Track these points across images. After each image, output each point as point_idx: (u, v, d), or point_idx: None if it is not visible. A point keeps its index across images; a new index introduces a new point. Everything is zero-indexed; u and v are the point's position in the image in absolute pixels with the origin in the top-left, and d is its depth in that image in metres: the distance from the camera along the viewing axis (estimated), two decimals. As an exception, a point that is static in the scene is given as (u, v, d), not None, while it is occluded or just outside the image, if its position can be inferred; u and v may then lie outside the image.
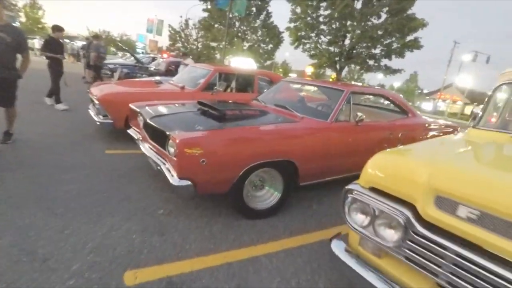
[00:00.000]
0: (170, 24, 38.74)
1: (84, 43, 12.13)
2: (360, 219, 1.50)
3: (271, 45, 29.20)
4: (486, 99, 2.32)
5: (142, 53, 31.23)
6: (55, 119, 4.92)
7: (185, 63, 8.43)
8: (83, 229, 2.09)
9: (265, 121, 2.81)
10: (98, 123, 3.99)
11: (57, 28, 5.66)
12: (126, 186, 2.88)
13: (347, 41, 17.06)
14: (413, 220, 1.28)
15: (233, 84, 5.46)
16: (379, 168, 1.47)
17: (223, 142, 2.27)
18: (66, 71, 6.03)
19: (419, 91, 48.52)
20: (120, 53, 24.50)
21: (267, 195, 2.67)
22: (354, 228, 1.52)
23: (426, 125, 4.08)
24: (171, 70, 10.15)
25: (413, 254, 1.30)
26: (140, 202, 2.60)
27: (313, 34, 17.36)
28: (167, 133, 2.28)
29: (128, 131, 3.40)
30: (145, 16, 40.19)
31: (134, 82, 5.31)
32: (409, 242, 1.31)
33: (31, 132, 4.04)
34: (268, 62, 30.58)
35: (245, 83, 5.43)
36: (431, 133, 4.11)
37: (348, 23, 16.10)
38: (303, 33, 17.46)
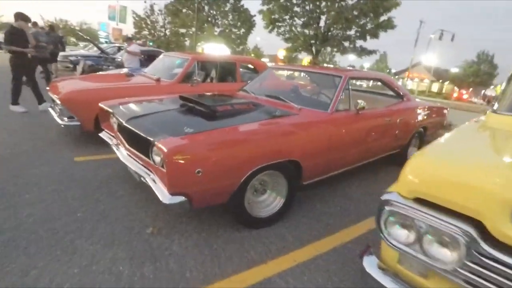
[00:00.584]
0: (134, 11, 36.53)
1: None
2: (403, 235, 1.26)
3: (243, 30, 28.39)
4: (507, 79, 2.14)
5: (106, 42, 29.26)
6: (12, 125, 4.27)
7: (129, 50, 7.32)
8: (55, 267, 1.70)
9: (262, 116, 2.49)
10: (62, 126, 3.47)
11: (20, 17, 4.85)
12: (104, 201, 2.48)
13: (322, 23, 16.83)
14: (478, 239, 1.05)
15: (213, 74, 5.05)
16: (425, 175, 1.22)
17: (220, 145, 1.94)
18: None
19: (388, 70, 49.85)
20: (82, 44, 22.65)
21: (270, 200, 2.39)
22: (394, 245, 1.28)
23: (421, 108, 3.95)
24: (141, 61, 9.41)
25: (477, 278, 1.08)
26: (123, 220, 2.22)
27: (287, 17, 16.91)
28: (151, 139, 1.90)
29: (100, 134, 2.94)
30: (106, 3, 37.40)
31: (101, 76, 4.73)
32: (470, 264, 1.09)
33: (-19, 142, 3.45)
34: (240, 48, 29.73)
35: (226, 72, 5.02)
36: (426, 116, 4.00)
37: (323, 4, 15.80)
38: (276, 15, 16.95)
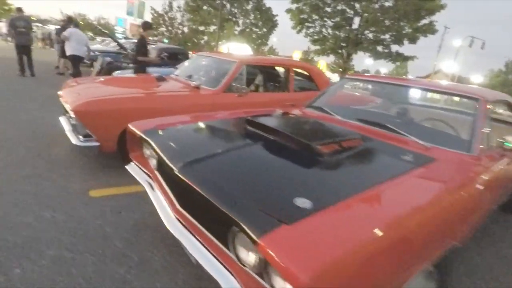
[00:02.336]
0: (152, 6, 36.46)
1: (58, 27, 10.33)
2: None
3: (264, 29, 27.55)
4: None
5: (123, 38, 29.05)
6: (7, 136, 3.50)
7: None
8: None
9: (391, 164, 1.58)
10: (78, 145, 2.63)
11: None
12: (138, 273, 1.62)
13: (355, 26, 15.79)
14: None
15: (258, 80, 4.18)
16: None
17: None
18: (35, 58, 4.62)
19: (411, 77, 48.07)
20: (99, 39, 22.24)
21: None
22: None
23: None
24: (163, 59, 8.67)
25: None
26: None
27: (317, 17, 15.93)
28: (243, 225, 1.01)
29: (128, 168, 2.09)
30: (124, -2, 37.34)
31: (125, 79, 3.90)
32: None
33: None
34: (266, 48, 28.77)
35: (275, 78, 4.15)
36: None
37: (357, 5, 14.76)
38: (305, 15, 15.98)
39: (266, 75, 4.02)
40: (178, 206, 1.48)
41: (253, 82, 3.91)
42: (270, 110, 2.60)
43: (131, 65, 8.15)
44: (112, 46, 13.01)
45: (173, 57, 8.92)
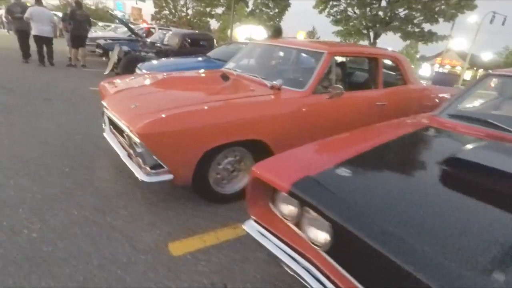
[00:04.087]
0: (154, -12, 35.12)
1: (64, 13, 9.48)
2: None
3: (277, 10, 26.15)
4: None
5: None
6: (34, 154, 2.82)
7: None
8: None
9: None
10: (147, 181, 1.92)
11: None
12: None
13: (383, 3, 14.59)
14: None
15: (343, 75, 3.42)
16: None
17: None
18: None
19: (417, 56, 46.19)
20: (100, 24, 21.08)
21: None
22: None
23: None
24: (185, 46, 7.83)
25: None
26: None
27: None
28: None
29: (248, 229, 1.38)
30: (124, -20, 35.94)
31: (181, 78, 3.05)
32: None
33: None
34: (300, 34, 27.07)
35: (361, 72, 3.39)
36: None
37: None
38: None
39: (351, 68, 3.25)
40: None
41: (339, 77, 3.14)
42: (415, 126, 1.88)
43: (150, 54, 7.40)
44: (122, 32, 12.13)
45: (195, 44, 8.07)
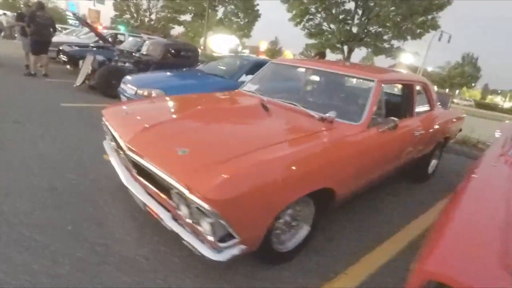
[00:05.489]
0: (114, -10, 33.64)
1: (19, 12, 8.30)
2: None
3: (246, 20, 26.15)
4: None
5: (77, 26, 25.94)
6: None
7: None
8: None
9: None
10: (218, 260, 1.45)
11: None
12: None
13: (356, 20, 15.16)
14: None
15: (389, 104, 3.21)
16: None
17: None
18: None
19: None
20: (63, 27, 19.07)
21: None
22: None
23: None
24: (168, 57, 7.19)
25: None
26: None
27: (320, 9, 14.98)
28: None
29: None
30: (80, -20, 33.70)
31: (216, 108, 2.47)
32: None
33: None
34: (262, 43, 27.07)
35: (399, 100, 3.22)
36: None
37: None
38: (312, 7, 14.98)
39: (393, 97, 3.05)
40: None
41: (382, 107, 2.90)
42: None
43: (128, 64, 6.70)
44: (86, 37, 10.99)
45: (179, 55, 7.49)
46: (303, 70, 3.13)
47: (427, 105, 3.49)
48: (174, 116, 2.22)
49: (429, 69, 44.62)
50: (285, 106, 2.54)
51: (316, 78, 3.09)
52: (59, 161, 2.89)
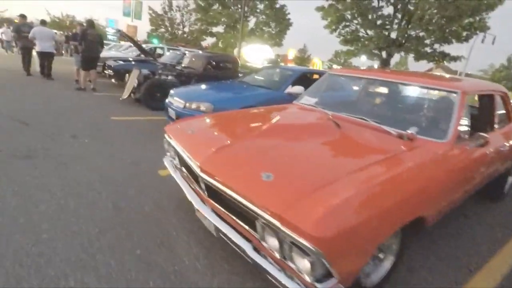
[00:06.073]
0: (150, 6, 35.31)
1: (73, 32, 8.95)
2: None
3: (278, 29, 26.19)
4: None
5: (114, 40, 27.43)
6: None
7: None
8: None
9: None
10: None
11: None
12: None
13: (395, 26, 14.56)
14: None
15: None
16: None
17: None
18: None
19: None
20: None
21: None
22: None
23: None
24: (209, 69, 7.27)
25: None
26: None
27: (356, 14, 14.61)
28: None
29: None
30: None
31: (288, 125, 2.30)
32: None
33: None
34: (291, 51, 26.88)
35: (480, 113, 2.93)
36: None
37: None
38: (348, 13, 14.67)
39: (472, 109, 2.77)
40: None
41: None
42: None
43: (170, 77, 6.83)
44: (129, 51, 11.54)
45: (218, 66, 7.56)
46: (366, 81, 2.93)
47: (506, 117, 3.14)
48: (245, 135, 2.11)
49: (469, 72, 42.13)
50: (355, 121, 2.36)
51: (383, 89, 2.88)
52: (118, 177, 2.90)
